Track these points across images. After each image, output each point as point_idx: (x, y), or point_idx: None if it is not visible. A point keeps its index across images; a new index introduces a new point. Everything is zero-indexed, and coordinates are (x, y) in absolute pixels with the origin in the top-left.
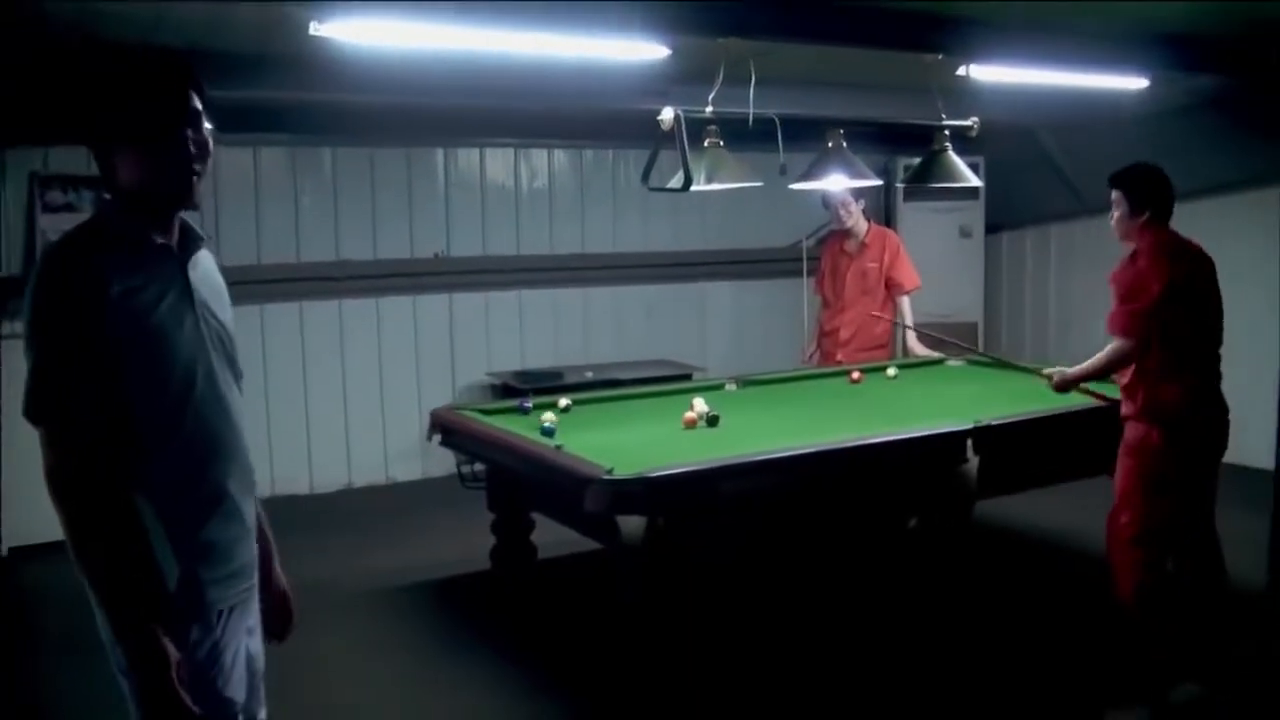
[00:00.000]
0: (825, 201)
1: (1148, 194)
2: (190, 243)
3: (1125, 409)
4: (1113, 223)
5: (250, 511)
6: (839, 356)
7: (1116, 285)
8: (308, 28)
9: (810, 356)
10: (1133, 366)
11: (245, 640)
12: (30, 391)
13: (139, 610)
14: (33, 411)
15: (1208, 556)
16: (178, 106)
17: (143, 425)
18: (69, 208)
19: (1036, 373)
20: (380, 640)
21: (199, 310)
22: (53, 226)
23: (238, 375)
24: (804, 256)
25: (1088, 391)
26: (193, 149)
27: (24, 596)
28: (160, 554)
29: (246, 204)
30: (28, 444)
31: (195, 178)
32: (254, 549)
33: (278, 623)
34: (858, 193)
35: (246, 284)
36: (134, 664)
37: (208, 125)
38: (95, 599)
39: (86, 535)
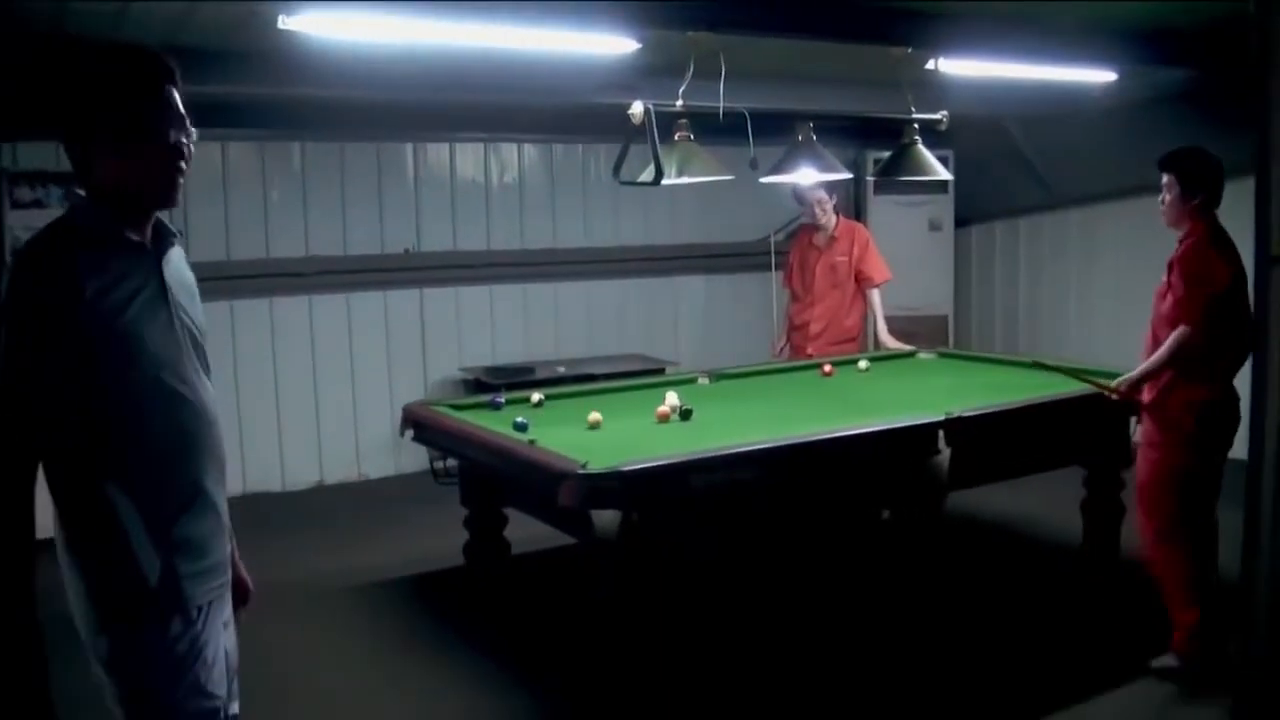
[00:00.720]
0: (798, 196)
1: (1202, 178)
2: (163, 239)
3: (1154, 397)
4: (1162, 207)
5: (225, 506)
6: (809, 350)
7: (1185, 271)
8: (276, 22)
9: (780, 350)
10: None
11: (223, 634)
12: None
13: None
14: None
15: (1208, 547)
16: (164, 107)
17: (118, 421)
18: (38, 204)
19: (1104, 388)
20: (354, 636)
21: (173, 307)
22: (21, 223)
23: (207, 370)
24: (772, 251)
25: (1095, 383)
26: (178, 150)
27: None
28: (139, 549)
29: (215, 199)
30: None
31: (179, 178)
32: (228, 544)
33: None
34: (829, 187)
35: (216, 280)
36: (115, 658)
37: (190, 127)
38: (77, 592)
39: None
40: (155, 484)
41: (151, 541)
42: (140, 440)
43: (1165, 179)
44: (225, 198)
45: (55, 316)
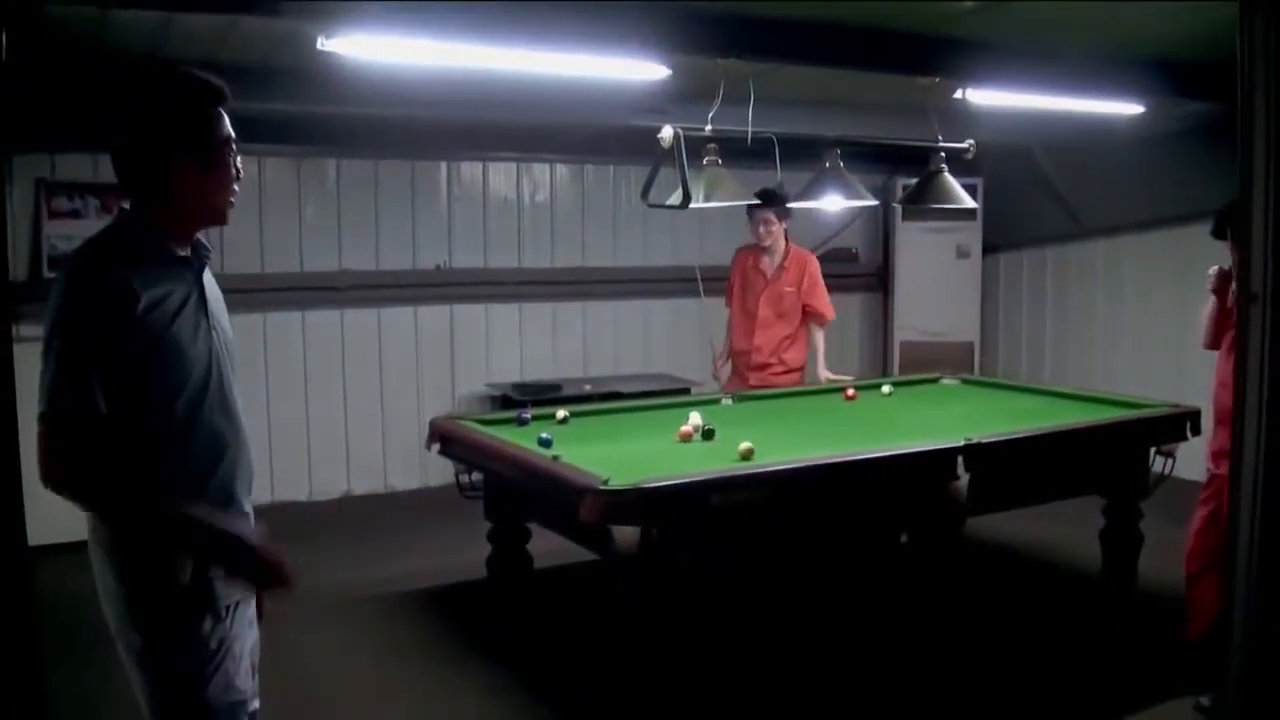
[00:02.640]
0: (748, 211)
1: None
2: (201, 254)
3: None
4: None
5: (250, 510)
6: (751, 381)
7: None
8: (315, 42)
9: (719, 371)
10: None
11: (249, 632)
12: (49, 390)
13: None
14: (50, 412)
15: None
16: (229, 130)
17: (159, 429)
18: (75, 214)
19: None
20: (377, 647)
21: (211, 319)
22: (58, 232)
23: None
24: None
25: None
26: (235, 171)
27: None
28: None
29: (250, 213)
30: (30, 443)
31: (233, 199)
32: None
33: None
34: (782, 212)
35: (250, 292)
36: (146, 653)
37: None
38: (109, 588)
39: (109, 504)
40: (191, 488)
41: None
42: (180, 446)
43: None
44: (260, 212)
45: (109, 325)
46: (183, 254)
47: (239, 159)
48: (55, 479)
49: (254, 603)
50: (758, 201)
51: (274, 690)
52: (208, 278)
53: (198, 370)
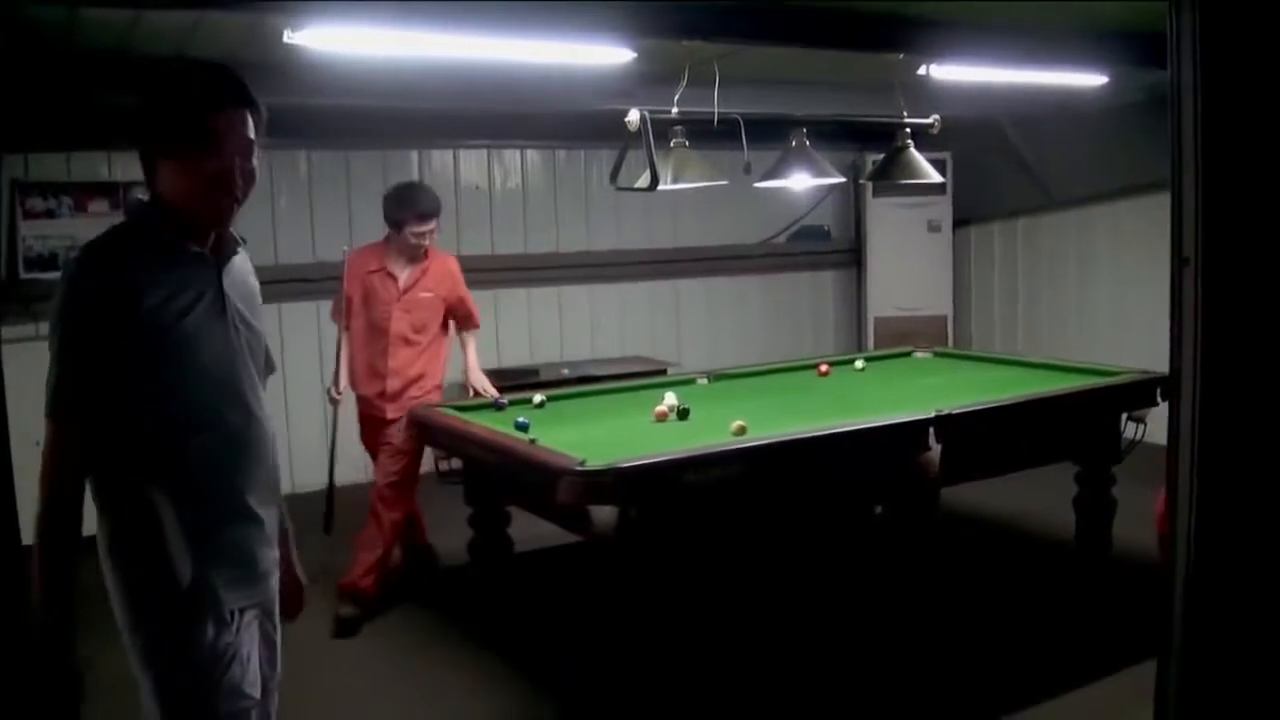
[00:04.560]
0: (399, 224)
1: None
2: (227, 247)
3: None
4: None
5: (272, 518)
6: (389, 414)
7: None
8: (282, 35)
9: (339, 395)
10: None
11: (261, 640)
12: (48, 391)
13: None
14: (50, 409)
15: None
16: (226, 128)
17: (166, 429)
18: (50, 214)
19: None
20: (362, 632)
21: (231, 317)
22: (34, 233)
23: (270, 369)
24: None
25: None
26: (237, 176)
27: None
28: (175, 553)
29: None
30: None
31: (233, 203)
32: (274, 554)
33: (290, 606)
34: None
35: None
36: (148, 656)
37: (256, 158)
38: (115, 590)
39: (62, 535)
40: (197, 492)
41: (188, 547)
42: (186, 449)
43: None
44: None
45: (109, 322)
46: (197, 249)
47: (244, 159)
48: (47, 480)
49: (274, 612)
50: (428, 211)
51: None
52: (238, 271)
53: (210, 372)
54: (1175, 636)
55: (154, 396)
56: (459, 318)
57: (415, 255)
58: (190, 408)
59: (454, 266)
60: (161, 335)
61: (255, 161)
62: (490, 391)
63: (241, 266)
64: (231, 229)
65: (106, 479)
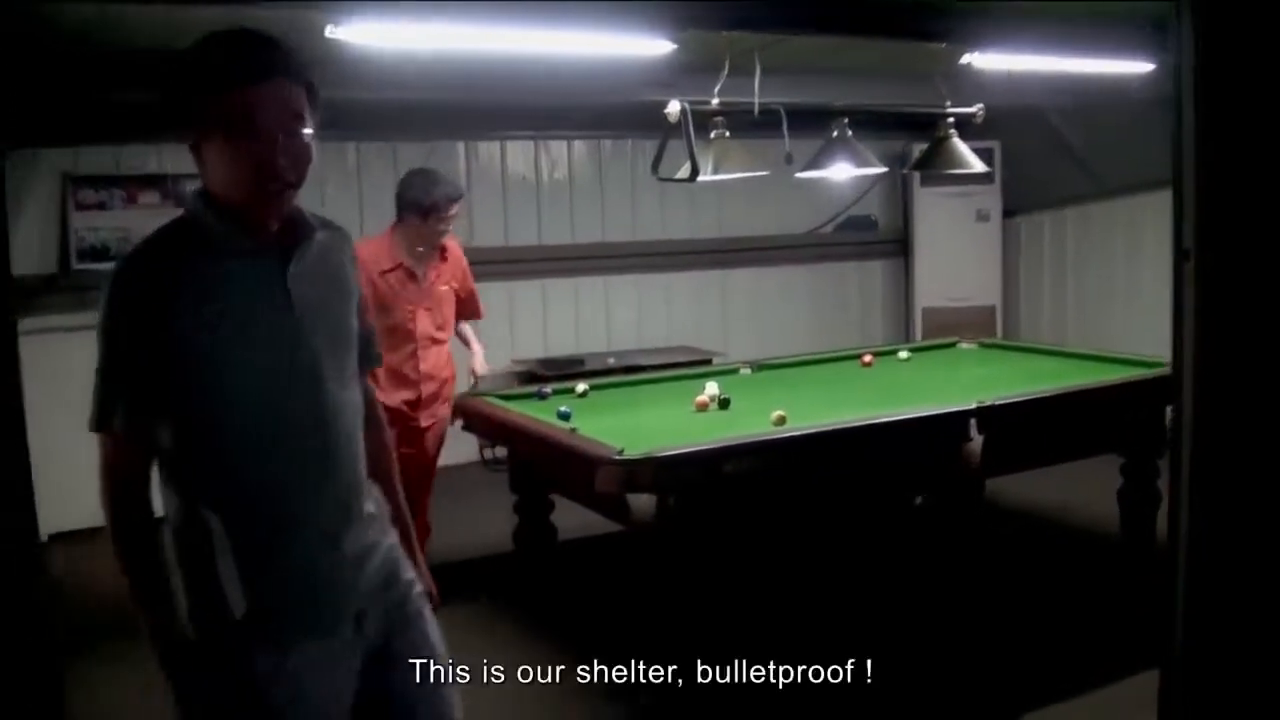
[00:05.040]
0: (455, 192)
1: None
2: (299, 234)
3: None
4: None
5: (352, 537)
6: (423, 421)
7: None
8: (324, 30)
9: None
10: None
11: (343, 673)
12: (94, 403)
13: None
14: (91, 422)
15: None
16: (259, 103)
17: (214, 443)
18: (101, 206)
19: None
20: None
21: (300, 314)
22: (85, 225)
23: (371, 362)
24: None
25: None
26: (279, 157)
27: (61, 582)
28: (226, 578)
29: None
30: (61, 431)
31: (281, 188)
32: (353, 576)
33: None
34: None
35: None
36: (187, 692)
37: (308, 131)
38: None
39: (124, 556)
40: (248, 511)
41: (240, 571)
42: (238, 465)
43: None
44: None
45: (145, 331)
46: (251, 244)
47: (301, 142)
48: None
49: (355, 643)
50: (459, 191)
51: None
52: (314, 258)
53: (266, 376)
54: (1177, 639)
55: (199, 408)
56: (468, 310)
57: (435, 245)
58: (241, 419)
59: (460, 253)
60: (206, 340)
61: (306, 137)
62: (494, 369)
63: (321, 253)
64: (310, 211)
65: (165, 496)
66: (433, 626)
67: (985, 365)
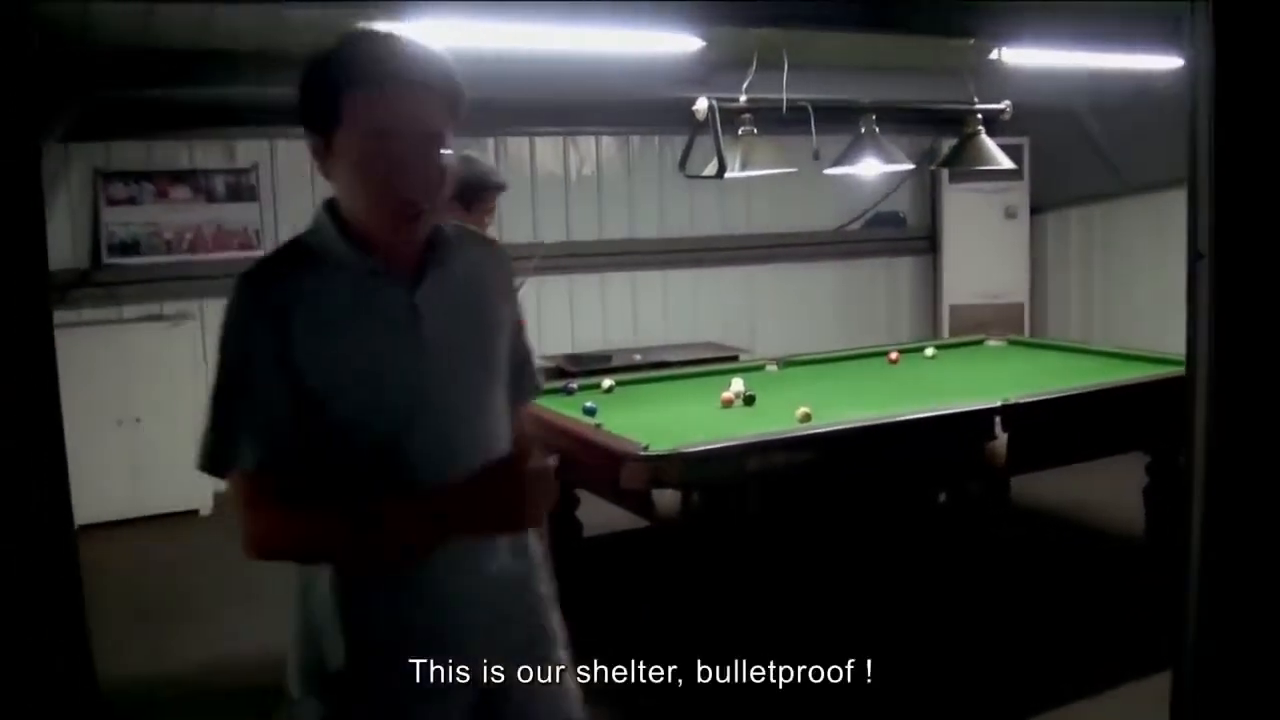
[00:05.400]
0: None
1: None
2: (437, 252)
3: None
4: None
5: (480, 594)
6: None
7: None
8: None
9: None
10: None
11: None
12: (208, 438)
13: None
14: (203, 459)
15: None
16: (386, 112)
17: (325, 478)
18: (132, 200)
19: None
20: None
21: (428, 341)
22: (116, 220)
23: (528, 392)
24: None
25: None
26: (413, 175)
27: (89, 574)
28: (327, 624)
29: (303, 195)
30: (86, 425)
31: (407, 212)
32: (480, 640)
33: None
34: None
35: None
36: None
37: (447, 152)
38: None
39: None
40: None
41: (344, 618)
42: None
43: None
44: (313, 194)
45: (254, 361)
46: (377, 264)
47: (427, 156)
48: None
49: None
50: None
51: None
52: (455, 285)
53: (383, 411)
54: (1188, 640)
55: (309, 441)
56: None
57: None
58: (354, 455)
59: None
60: (320, 370)
61: (445, 157)
62: None
63: (465, 273)
64: (459, 225)
65: None
66: (576, 707)
67: (1011, 363)
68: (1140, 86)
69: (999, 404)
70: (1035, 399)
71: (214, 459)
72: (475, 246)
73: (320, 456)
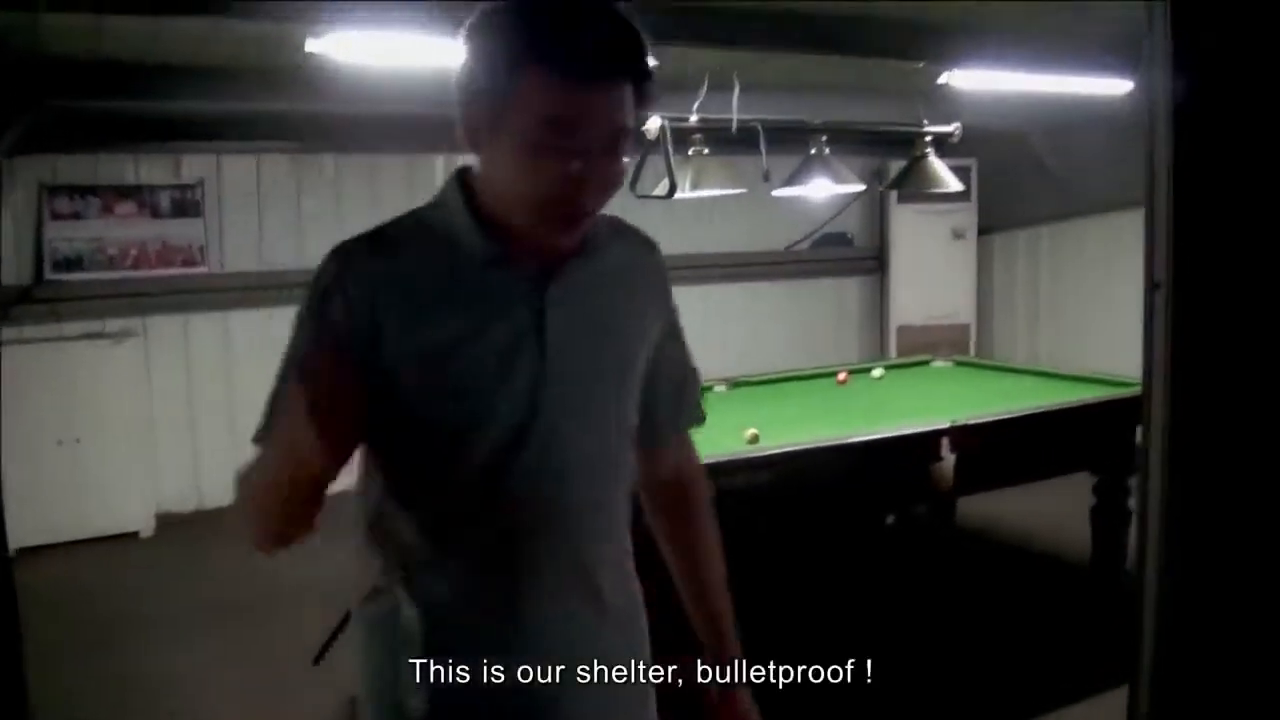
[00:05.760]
0: None
1: None
2: (584, 249)
3: None
4: None
5: (578, 646)
6: None
7: None
8: (303, 44)
9: None
10: None
11: None
12: (269, 408)
13: None
14: (259, 431)
15: None
16: (579, 111)
17: (408, 504)
18: (77, 215)
19: None
20: None
21: (552, 346)
22: (60, 235)
23: (686, 422)
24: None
25: None
26: (591, 177)
27: (25, 598)
28: (403, 670)
29: (249, 211)
30: (28, 444)
31: (579, 216)
32: (579, 702)
33: None
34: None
35: (248, 290)
36: None
37: (628, 157)
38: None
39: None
40: (450, 591)
41: (425, 667)
42: (430, 527)
43: None
44: (259, 209)
45: (333, 342)
46: (507, 253)
47: (609, 158)
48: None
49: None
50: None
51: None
52: (593, 286)
53: (483, 420)
54: (1144, 660)
55: (398, 451)
56: None
57: None
58: (447, 470)
59: None
60: (406, 371)
61: (625, 158)
62: None
63: (610, 272)
64: (615, 218)
65: (358, 562)
66: None
67: (958, 383)
68: (1087, 109)
69: (947, 425)
70: (983, 420)
71: (256, 438)
72: (628, 244)
73: (404, 469)
